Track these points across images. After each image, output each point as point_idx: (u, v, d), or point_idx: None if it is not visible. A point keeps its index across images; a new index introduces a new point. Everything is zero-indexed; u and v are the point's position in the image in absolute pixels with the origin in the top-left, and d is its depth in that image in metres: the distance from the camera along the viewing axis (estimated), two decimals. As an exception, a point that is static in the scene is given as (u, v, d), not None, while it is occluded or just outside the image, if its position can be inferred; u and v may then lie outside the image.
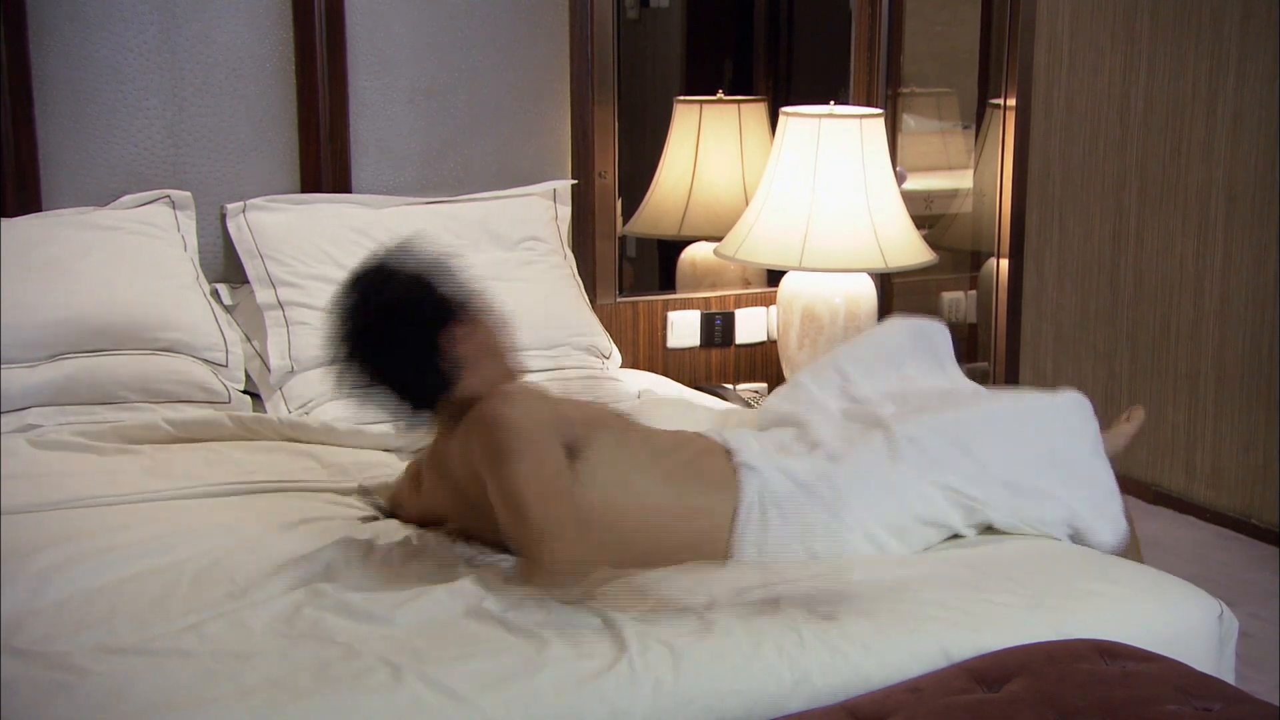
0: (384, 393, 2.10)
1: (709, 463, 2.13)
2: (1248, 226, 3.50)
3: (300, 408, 2.81)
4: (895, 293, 3.79)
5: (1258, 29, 3.42)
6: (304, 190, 3.17)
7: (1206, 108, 3.56)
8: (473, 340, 2.11)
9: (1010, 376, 3.56)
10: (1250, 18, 3.43)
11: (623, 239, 3.67)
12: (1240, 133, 3.50)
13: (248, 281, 3.01)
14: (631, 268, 3.80)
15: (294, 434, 2.66)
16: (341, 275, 2.92)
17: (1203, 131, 3.57)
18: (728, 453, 2.14)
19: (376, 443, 2.64)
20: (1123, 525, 2.23)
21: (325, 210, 3.08)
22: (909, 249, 3.26)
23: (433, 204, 3.19)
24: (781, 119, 3.30)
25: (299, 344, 2.89)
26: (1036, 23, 3.82)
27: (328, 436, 2.66)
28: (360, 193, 3.21)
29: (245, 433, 2.65)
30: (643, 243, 3.90)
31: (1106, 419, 3.85)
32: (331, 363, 2.13)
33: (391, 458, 2.59)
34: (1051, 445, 2.19)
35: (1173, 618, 1.96)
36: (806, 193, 3.20)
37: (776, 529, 2.07)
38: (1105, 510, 2.20)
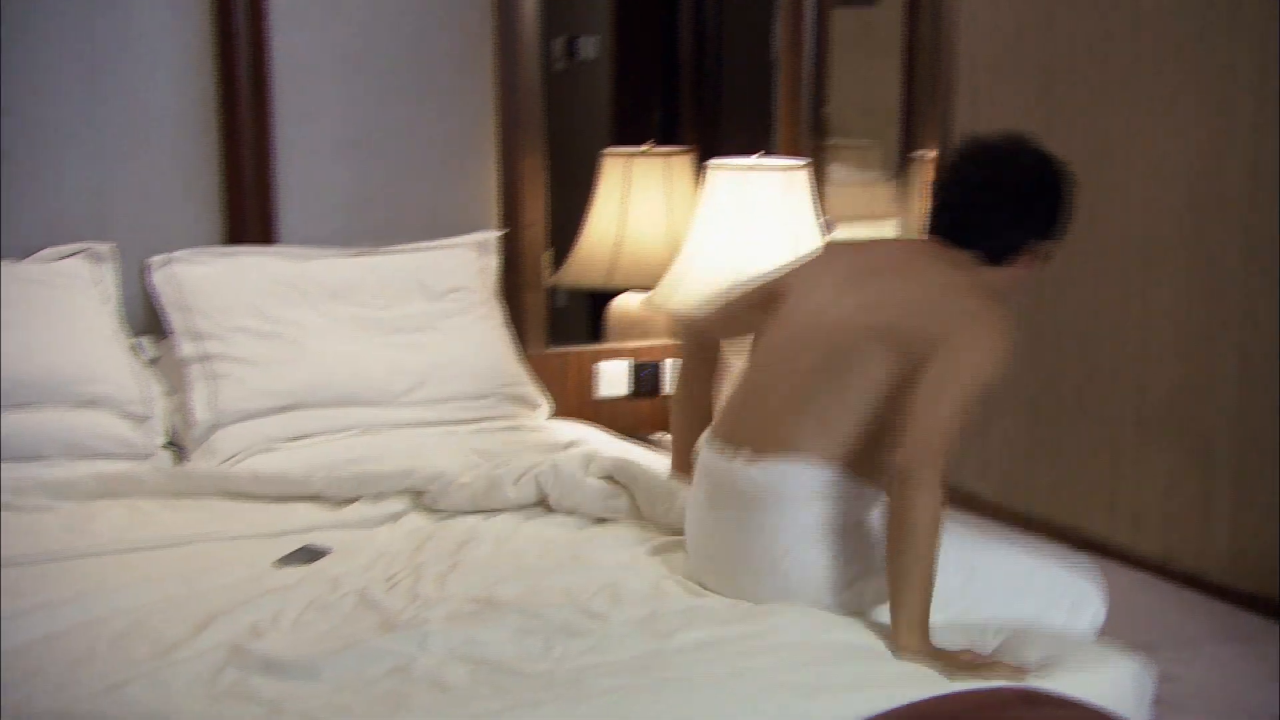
0: (980, 213, 2.22)
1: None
2: (1166, 273, 3.57)
3: (225, 461, 2.78)
4: (822, 341, 3.81)
5: (1170, 83, 3.51)
6: (229, 242, 3.15)
7: (1123, 157, 3.64)
8: (1037, 260, 2.28)
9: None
10: (1161, 73, 3.52)
11: (553, 289, 3.67)
12: (1157, 181, 3.58)
13: (171, 334, 2.98)
14: (561, 318, 3.81)
15: (222, 485, 2.63)
16: (268, 328, 2.96)
17: (1121, 180, 3.65)
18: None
19: (303, 491, 2.61)
20: None
21: (250, 262, 3.06)
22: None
23: (360, 255, 3.18)
24: (709, 171, 3.33)
25: (225, 397, 2.87)
26: (957, 78, 3.89)
27: (255, 486, 2.64)
28: (286, 244, 3.19)
29: (170, 487, 2.62)
30: (572, 293, 3.91)
31: (1031, 465, 3.90)
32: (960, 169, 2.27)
33: (319, 509, 2.57)
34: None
35: (1093, 669, 1.98)
36: (734, 244, 3.23)
37: (826, 554, 2.13)
38: None
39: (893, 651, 1.97)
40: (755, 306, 2.38)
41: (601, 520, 2.48)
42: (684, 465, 2.49)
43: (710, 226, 3.28)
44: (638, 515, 2.48)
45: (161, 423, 2.88)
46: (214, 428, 2.85)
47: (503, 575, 2.21)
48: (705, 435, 2.32)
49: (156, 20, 3.07)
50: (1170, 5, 3.47)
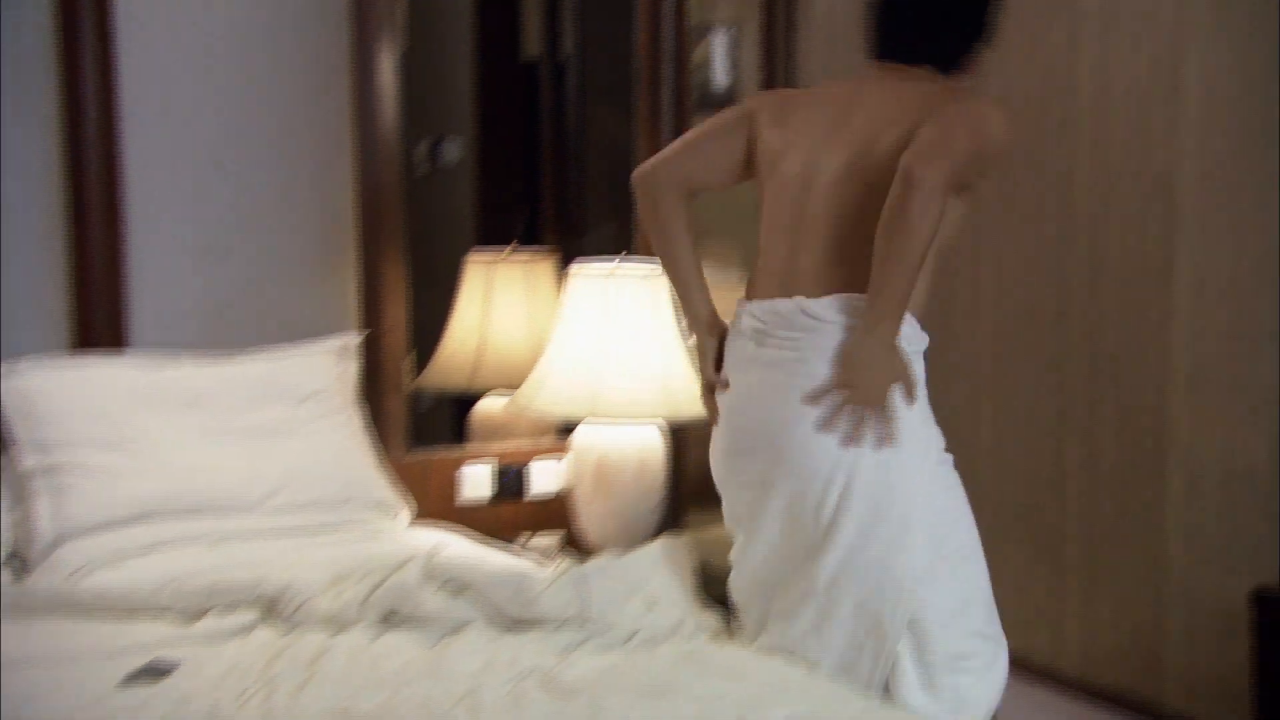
0: (929, 25, 2.37)
1: None
2: (1015, 375, 3.67)
3: (70, 576, 2.69)
4: (687, 442, 3.83)
5: (1015, 193, 3.63)
6: (77, 349, 3.08)
7: (970, 258, 3.75)
8: (976, 68, 2.44)
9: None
10: (1002, 184, 3.63)
11: (417, 393, 3.64)
12: (1005, 283, 3.69)
13: (13, 446, 2.88)
14: (426, 421, 3.77)
15: (64, 602, 2.54)
16: (118, 437, 2.88)
17: (970, 279, 3.75)
18: None
19: (150, 605, 2.53)
20: None
21: (100, 371, 2.98)
22: (698, 400, 3.31)
23: (215, 361, 3.13)
24: (571, 274, 3.35)
25: (71, 510, 2.78)
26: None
27: (100, 602, 2.55)
28: (139, 351, 3.12)
29: (7, 605, 2.52)
30: (438, 396, 3.88)
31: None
32: None
33: (167, 623, 2.49)
34: None
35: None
36: (597, 345, 3.24)
37: None
38: None
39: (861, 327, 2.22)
40: (734, 153, 2.47)
41: (457, 627, 2.45)
42: (706, 307, 2.55)
43: (572, 329, 3.30)
44: (491, 616, 2.45)
45: (0, 538, 2.77)
46: (58, 542, 2.75)
47: (359, 688, 2.17)
48: (743, 301, 2.44)
49: (2, 123, 3.02)
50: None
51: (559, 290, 3.53)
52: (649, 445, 3.31)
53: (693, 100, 3.93)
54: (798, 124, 2.43)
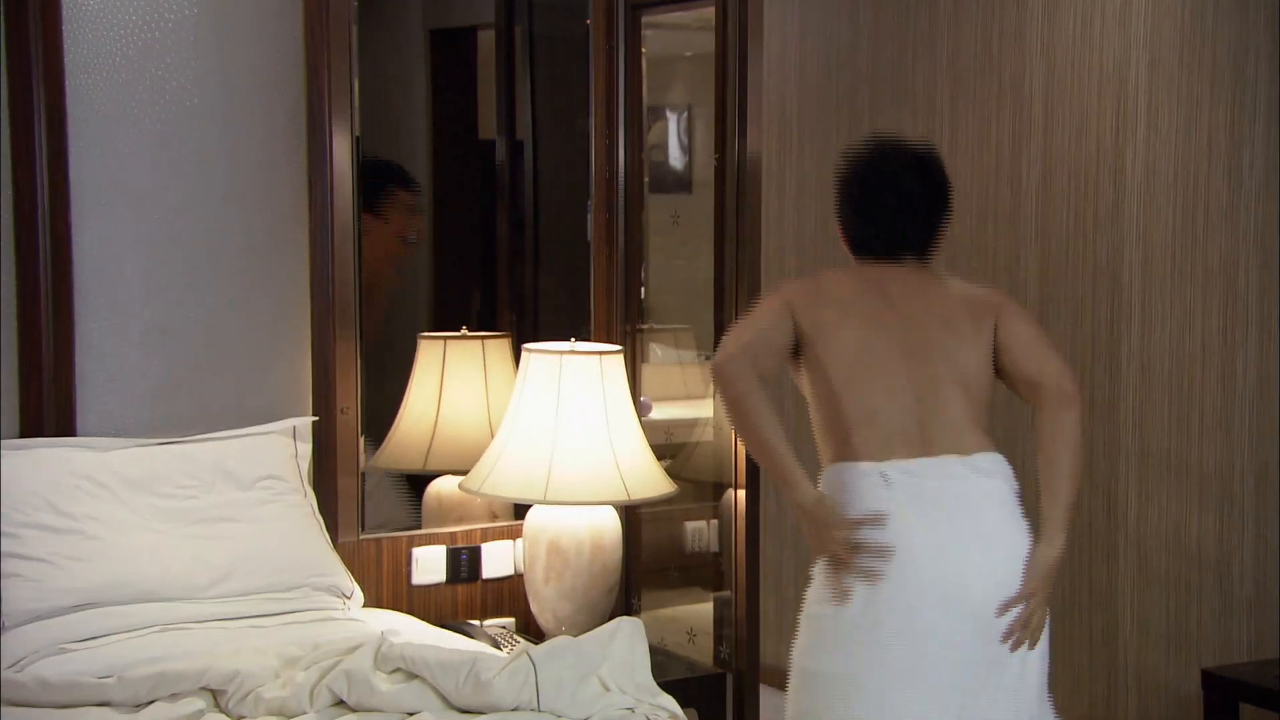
0: (899, 213, 2.64)
1: None
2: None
3: (11, 667, 2.64)
4: (641, 523, 3.82)
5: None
6: (24, 435, 3.04)
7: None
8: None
9: (751, 605, 3.61)
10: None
11: (370, 474, 3.62)
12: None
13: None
14: (379, 503, 3.75)
15: (5, 694, 2.50)
16: (64, 523, 2.85)
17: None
18: None
19: (95, 696, 2.49)
20: None
21: (47, 455, 2.95)
22: (651, 481, 3.32)
23: (166, 444, 3.10)
24: (524, 355, 3.36)
25: (14, 598, 2.74)
26: (764, 263, 4.02)
27: (43, 694, 2.51)
28: (87, 435, 3.10)
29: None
30: (392, 477, 3.86)
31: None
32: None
33: (114, 713, 2.45)
34: None
35: None
36: (550, 427, 3.25)
37: None
38: None
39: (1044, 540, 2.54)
40: (788, 338, 2.65)
41: (408, 714, 2.42)
42: (808, 487, 2.65)
43: (526, 410, 3.30)
44: (443, 702, 2.43)
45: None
46: (2, 630, 2.71)
47: (307, 778, 2.14)
48: (860, 465, 2.58)
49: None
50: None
51: (513, 372, 3.53)
52: (603, 527, 3.31)
53: (647, 182, 3.97)
54: (838, 304, 2.66)
